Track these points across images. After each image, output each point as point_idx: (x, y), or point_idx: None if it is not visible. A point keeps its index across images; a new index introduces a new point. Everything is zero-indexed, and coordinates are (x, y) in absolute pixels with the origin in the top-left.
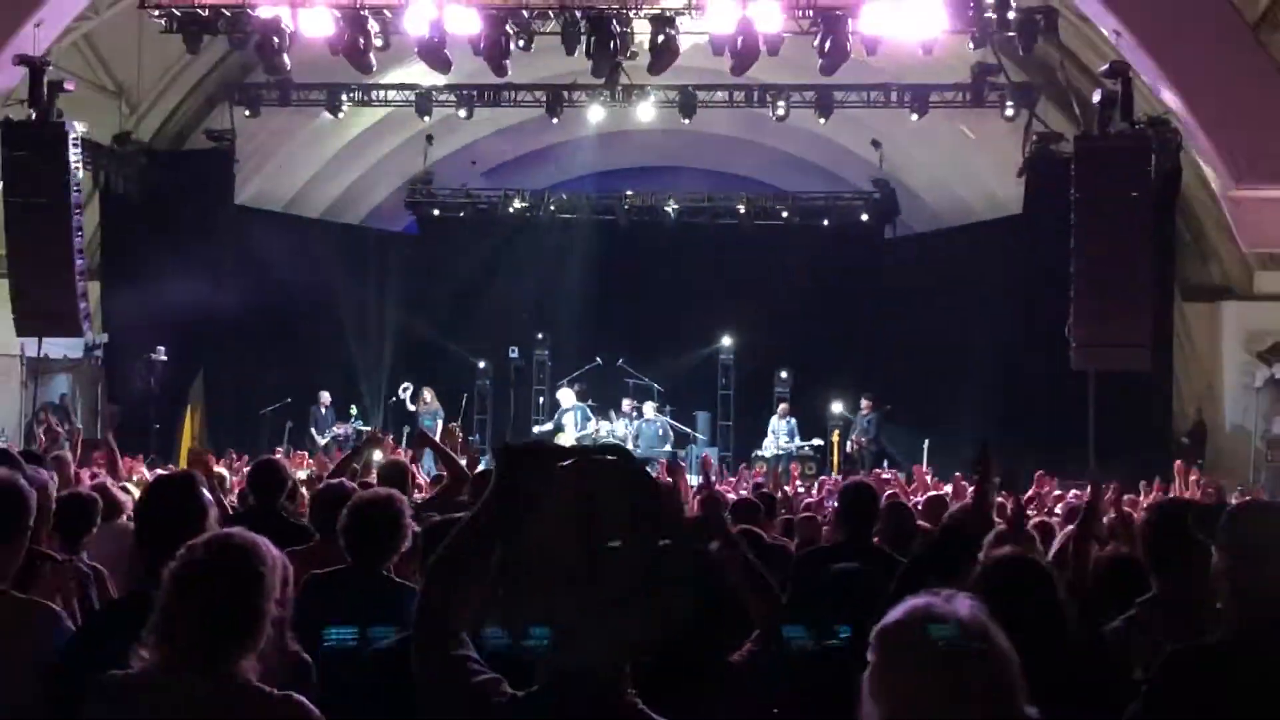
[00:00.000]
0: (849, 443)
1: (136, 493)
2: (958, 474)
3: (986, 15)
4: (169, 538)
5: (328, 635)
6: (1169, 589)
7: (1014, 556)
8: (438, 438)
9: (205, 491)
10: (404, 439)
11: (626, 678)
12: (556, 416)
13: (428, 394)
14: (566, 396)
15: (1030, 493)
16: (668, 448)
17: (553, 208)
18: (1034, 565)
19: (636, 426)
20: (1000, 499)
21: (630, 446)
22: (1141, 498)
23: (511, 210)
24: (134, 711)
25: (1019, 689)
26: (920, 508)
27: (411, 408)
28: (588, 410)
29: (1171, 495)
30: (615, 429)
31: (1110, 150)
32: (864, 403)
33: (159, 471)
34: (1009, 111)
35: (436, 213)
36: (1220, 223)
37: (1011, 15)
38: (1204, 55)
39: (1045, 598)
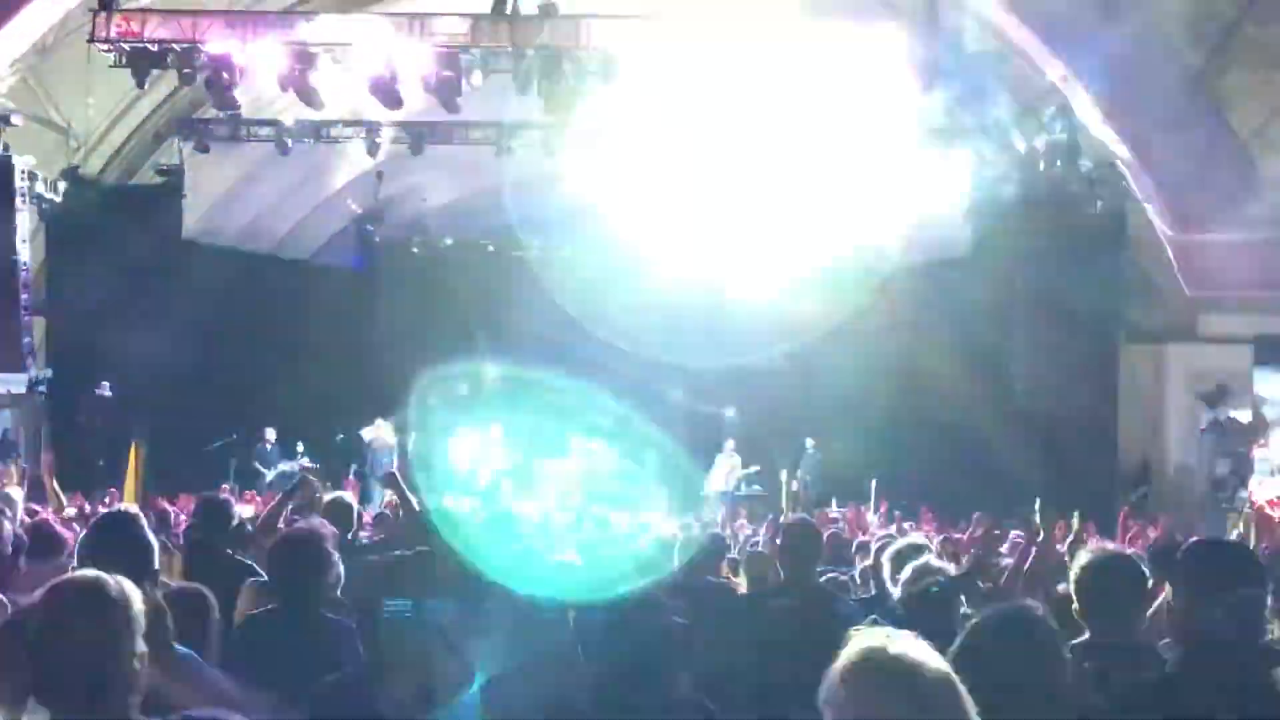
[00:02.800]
0: (794, 481)
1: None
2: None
3: (938, 58)
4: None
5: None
6: (1105, 630)
7: (1020, 607)
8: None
9: (148, 530)
10: (350, 473)
11: None
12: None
13: (385, 430)
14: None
15: (973, 532)
16: (616, 484)
17: (503, 244)
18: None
19: (585, 464)
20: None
21: (577, 483)
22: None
23: (462, 246)
24: None
25: None
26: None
27: (366, 439)
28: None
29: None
30: (565, 465)
31: (1056, 193)
32: (809, 441)
33: (100, 509)
34: (957, 152)
35: (385, 248)
36: (1164, 266)
37: (961, 60)
38: (1150, 103)
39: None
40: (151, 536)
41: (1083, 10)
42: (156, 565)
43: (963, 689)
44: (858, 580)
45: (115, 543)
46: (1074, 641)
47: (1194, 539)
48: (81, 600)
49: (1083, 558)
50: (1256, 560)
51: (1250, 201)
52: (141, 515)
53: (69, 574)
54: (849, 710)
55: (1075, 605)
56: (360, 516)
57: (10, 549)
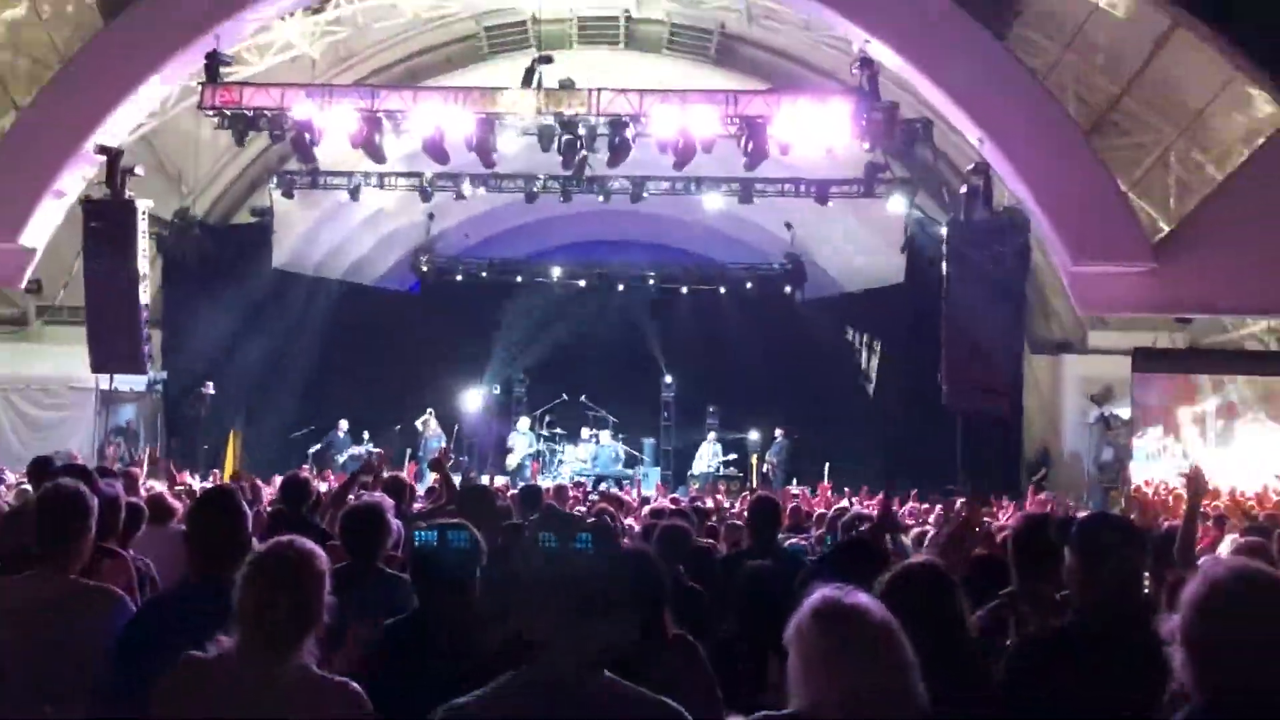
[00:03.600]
0: (764, 464)
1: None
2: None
3: (877, 124)
4: (214, 539)
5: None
6: (1028, 584)
7: (925, 562)
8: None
9: (243, 502)
10: (405, 458)
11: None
12: (511, 440)
13: (433, 422)
14: (523, 423)
15: (909, 506)
16: (620, 467)
17: (531, 273)
18: (939, 571)
19: (595, 450)
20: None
21: (589, 465)
22: (997, 512)
23: (497, 274)
24: (213, 689)
25: (915, 670)
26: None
27: (420, 430)
28: (533, 437)
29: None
30: (578, 452)
31: (974, 232)
32: (778, 432)
33: (205, 485)
34: (894, 200)
35: (436, 276)
36: (1061, 292)
37: (897, 125)
38: (1048, 157)
39: (950, 598)
40: (246, 507)
41: (993, 87)
42: (250, 530)
43: (899, 631)
44: (814, 544)
45: (218, 512)
46: (1003, 591)
47: (1085, 513)
48: (282, 564)
49: (1016, 519)
50: (1137, 532)
51: (1129, 240)
52: (237, 490)
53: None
54: (810, 649)
55: (1010, 558)
56: (413, 491)
57: (130, 516)
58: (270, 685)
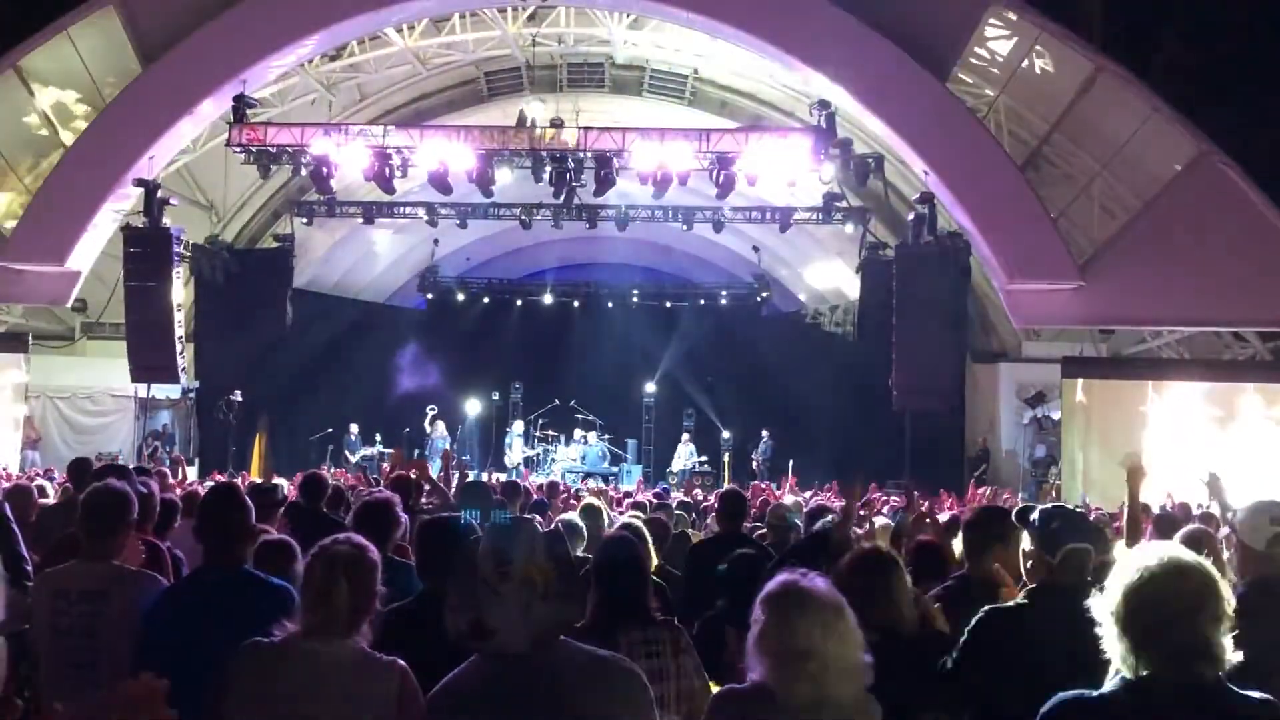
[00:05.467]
0: (752, 461)
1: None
2: (829, 486)
3: (834, 159)
4: (221, 529)
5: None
6: (977, 569)
7: (872, 548)
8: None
9: (245, 496)
10: (414, 457)
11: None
12: (507, 440)
13: (440, 424)
14: (517, 426)
15: (868, 497)
16: (605, 464)
17: (526, 291)
18: (885, 555)
19: (584, 449)
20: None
21: (579, 463)
22: (941, 501)
23: (496, 292)
24: (285, 667)
25: (861, 643)
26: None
27: (428, 431)
28: (529, 437)
29: (975, 504)
30: (569, 452)
31: (921, 255)
32: (764, 433)
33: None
34: (849, 227)
35: (440, 294)
36: (998, 307)
37: (851, 160)
38: (985, 187)
39: (892, 578)
40: (248, 501)
41: (937, 125)
42: (253, 521)
43: (846, 608)
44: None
45: (221, 505)
46: (955, 573)
47: (1044, 505)
48: (342, 557)
49: (970, 511)
50: (1089, 522)
51: (1059, 261)
52: (239, 486)
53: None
54: (766, 625)
55: (965, 543)
56: (420, 489)
57: (164, 511)
58: (335, 662)
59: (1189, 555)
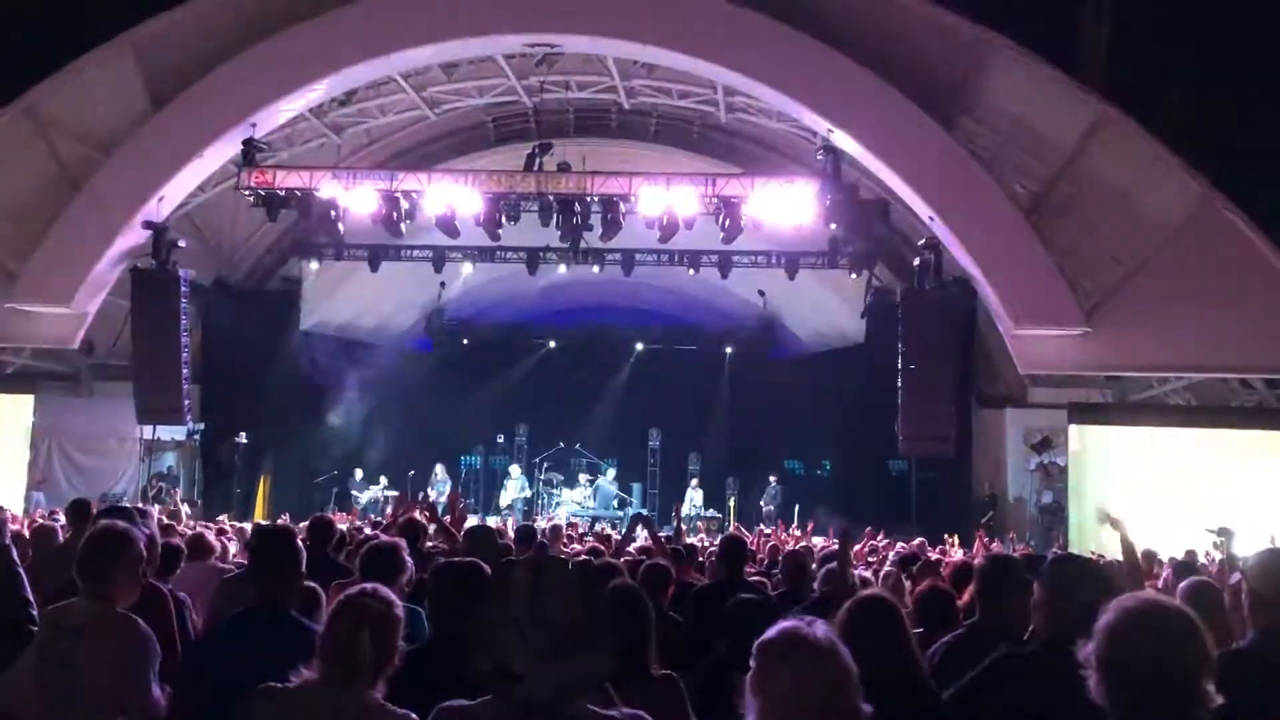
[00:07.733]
0: (761, 505)
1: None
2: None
3: (839, 204)
4: (274, 572)
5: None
6: (990, 616)
7: (874, 595)
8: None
9: (299, 541)
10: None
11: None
12: (502, 484)
13: (439, 468)
14: (514, 470)
15: (865, 544)
16: (615, 504)
17: (531, 334)
18: (887, 603)
19: (594, 490)
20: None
21: (590, 505)
22: (948, 548)
23: (502, 335)
24: (297, 714)
25: (857, 689)
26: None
27: (435, 475)
28: (525, 482)
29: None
30: (574, 495)
31: (927, 300)
32: (772, 479)
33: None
34: (854, 272)
35: (446, 336)
36: (1004, 352)
37: (856, 205)
38: (991, 234)
39: (896, 626)
40: (301, 546)
41: (943, 171)
42: (303, 567)
43: (843, 653)
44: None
45: (280, 549)
46: (968, 621)
47: (1056, 553)
48: (367, 609)
49: (981, 561)
50: (1100, 572)
51: (1064, 307)
52: (294, 530)
53: (359, 592)
54: (762, 669)
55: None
56: (426, 533)
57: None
58: (350, 712)
59: (1171, 601)
